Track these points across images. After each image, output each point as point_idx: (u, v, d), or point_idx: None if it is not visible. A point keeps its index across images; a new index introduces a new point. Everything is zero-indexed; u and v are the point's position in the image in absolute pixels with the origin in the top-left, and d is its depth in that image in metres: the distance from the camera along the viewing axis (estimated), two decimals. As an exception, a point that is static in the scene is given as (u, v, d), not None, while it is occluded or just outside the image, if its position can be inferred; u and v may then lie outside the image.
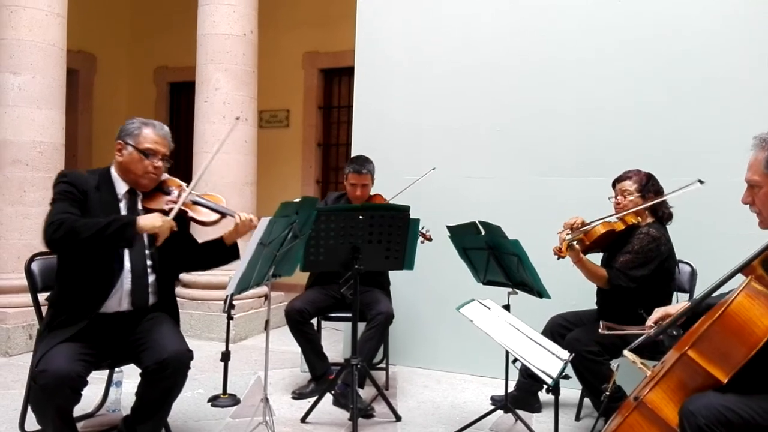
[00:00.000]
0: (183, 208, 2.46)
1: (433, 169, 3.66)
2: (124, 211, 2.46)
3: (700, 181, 2.52)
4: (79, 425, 2.74)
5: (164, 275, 2.56)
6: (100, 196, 2.41)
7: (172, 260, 2.57)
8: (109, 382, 3.01)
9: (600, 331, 2.24)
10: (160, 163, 2.47)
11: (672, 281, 2.98)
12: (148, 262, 2.48)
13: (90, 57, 7.28)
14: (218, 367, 3.49)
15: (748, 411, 1.67)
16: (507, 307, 2.79)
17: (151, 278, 2.50)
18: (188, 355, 2.37)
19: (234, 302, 3.37)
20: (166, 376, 2.31)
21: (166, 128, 2.54)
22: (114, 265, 2.39)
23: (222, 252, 2.67)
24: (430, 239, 3.38)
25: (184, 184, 2.58)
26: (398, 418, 3.13)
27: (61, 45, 4.44)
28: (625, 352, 2.00)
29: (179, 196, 2.50)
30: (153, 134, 2.47)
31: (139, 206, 2.50)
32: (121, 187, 2.48)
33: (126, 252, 2.42)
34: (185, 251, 2.64)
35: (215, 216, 2.55)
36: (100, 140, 7.32)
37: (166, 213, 2.41)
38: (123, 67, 7.76)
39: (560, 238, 2.86)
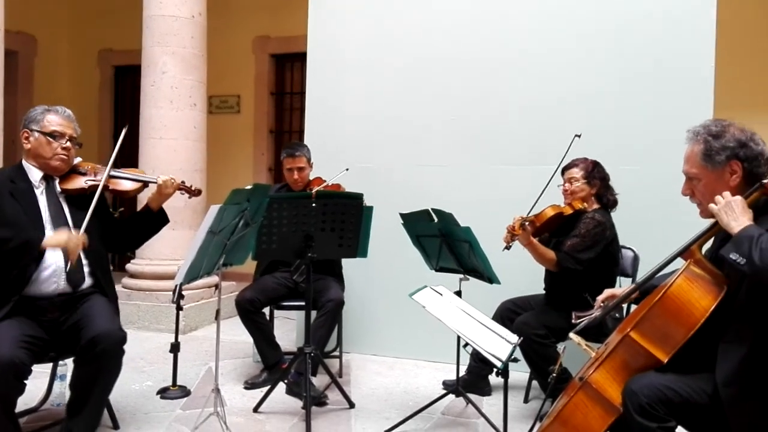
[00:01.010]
0: (104, 183, 2.53)
1: (346, 169, 3.55)
2: (42, 197, 2.49)
3: (578, 136, 2.98)
4: (23, 420, 2.66)
5: (95, 251, 2.55)
6: (15, 186, 2.43)
7: (99, 236, 2.57)
8: (53, 376, 2.92)
9: (573, 321, 2.29)
10: (68, 144, 2.51)
11: (615, 266, 3.08)
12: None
13: (30, 38, 6.96)
14: (167, 359, 3.43)
15: (686, 390, 1.75)
16: (459, 293, 2.82)
17: (85, 261, 2.51)
18: (120, 334, 2.35)
19: (183, 292, 3.30)
20: (96, 355, 2.27)
21: (69, 111, 2.58)
22: (34, 248, 2.36)
23: (150, 219, 2.72)
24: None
25: (98, 166, 2.64)
26: (352, 405, 3.15)
27: (-2, 25, 4.24)
28: (571, 335, 2.07)
29: (96, 174, 2.59)
30: (57, 118, 2.51)
31: (58, 189, 2.54)
32: (36, 175, 2.50)
33: (48, 233, 2.41)
34: (109, 228, 2.66)
35: (136, 185, 2.64)
36: (41, 125, 7.03)
37: (86, 191, 2.50)
38: (65, 49, 7.44)
39: (514, 220, 2.93)
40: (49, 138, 2.46)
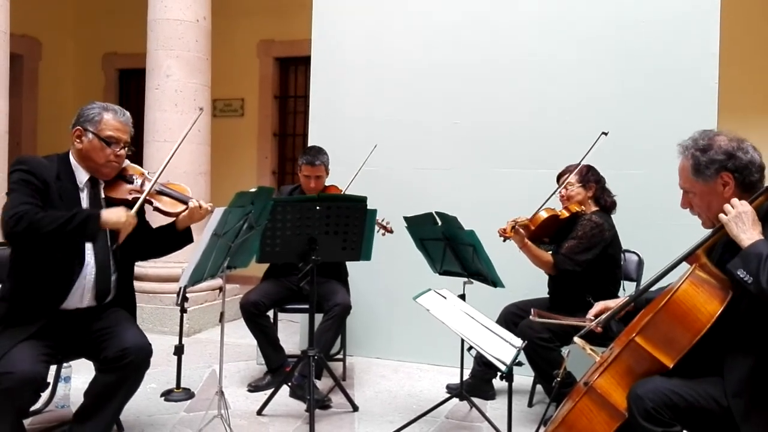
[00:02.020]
0: (148, 198, 2.40)
1: (375, 146, 3.60)
2: (85, 201, 2.38)
3: (605, 133, 2.96)
4: (27, 421, 2.66)
5: (125, 269, 2.51)
6: (61, 185, 2.30)
7: (132, 252, 2.51)
8: (57, 378, 2.92)
9: (531, 317, 2.29)
10: (122, 152, 2.39)
11: (618, 268, 3.08)
12: (112, 258, 2.41)
13: (34, 42, 6.99)
14: (171, 361, 3.43)
15: (692, 394, 1.74)
16: (462, 297, 2.82)
17: (114, 275, 2.44)
18: (149, 349, 2.31)
19: (187, 295, 3.30)
20: (123, 366, 2.24)
21: (128, 114, 2.45)
22: (76, 260, 2.31)
23: (174, 237, 2.59)
24: (390, 231, 3.37)
25: (145, 172, 2.52)
26: (355, 408, 3.14)
27: (4, 28, 4.25)
28: (576, 339, 2.06)
29: (142, 185, 2.45)
30: (114, 121, 2.37)
31: (102, 195, 2.43)
32: (82, 176, 2.38)
33: (89, 248, 2.34)
34: (143, 240, 2.56)
35: (180, 207, 2.49)
36: (46, 128, 7.06)
37: (129, 202, 2.37)
38: (69, 52, 7.47)
39: (507, 224, 2.96)
40: (103, 143, 2.33)
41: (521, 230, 2.92)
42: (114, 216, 2.22)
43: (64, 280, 2.29)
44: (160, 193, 2.49)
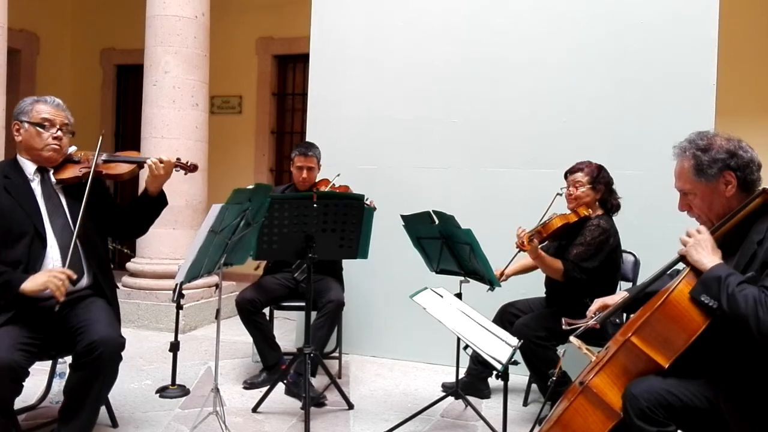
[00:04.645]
0: (97, 169, 2.47)
1: (338, 175, 3.61)
2: (38, 189, 2.45)
3: (559, 194, 3.00)
4: (21, 417, 2.66)
5: (93, 244, 2.51)
6: (10, 182, 2.39)
7: (98, 227, 2.54)
8: (51, 374, 2.92)
9: (564, 327, 2.26)
10: (59, 133, 2.47)
11: (617, 271, 3.08)
12: (77, 239, 2.39)
13: (33, 36, 6.97)
14: (167, 358, 3.42)
15: (687, 394, 1.75)
16: (459, 296, 2.82)
17: (81, 249, 2.45)
18: (119, 341, 2.31)
19: (184, 292, 3.30)
20: (92, 360, 2.22)
21: (59, 100, 2.54)
22: (36, 242, 2.35)
23: (149, 203, 2.65)
24: (374, 208, 3.34)
25: (91, 154, 2.57)
26: (351, 406, 3.14)
27: (2, 23, 4.24)
28: (571, 338, 2.06)
29: (90, 160, 2.52)
30: (46, 107, 2.48)
31: (53, 180, 2.50)
32: (30, 168, 2.47)
33: (47, 226, 2.40)
34: (109, 215, 2.61)
35: (130, 167, 2.57)
36: (43, 123, 7.03)
37: (81, 179, 2.45)
38: (67, 47, 7.45)
39: (519, 234, 2.91)
40: (38, 128, 2.42)
41: (535, 240, 2.89)
42: (32, 284, 2.20)
43: (27, 263, 2.32)
44: (109, 161, 2.56)
